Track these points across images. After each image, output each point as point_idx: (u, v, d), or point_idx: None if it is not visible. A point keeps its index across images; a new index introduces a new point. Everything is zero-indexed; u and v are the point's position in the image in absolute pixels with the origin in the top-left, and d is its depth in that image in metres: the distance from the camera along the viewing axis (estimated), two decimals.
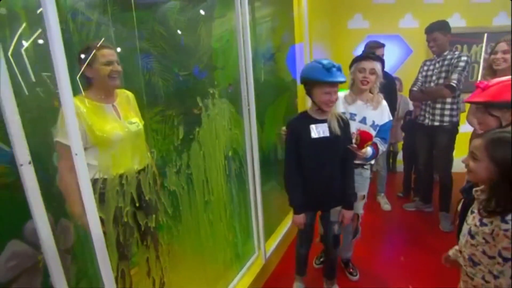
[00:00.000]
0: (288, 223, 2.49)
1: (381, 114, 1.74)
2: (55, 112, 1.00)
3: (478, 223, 1.00)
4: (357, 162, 1.70)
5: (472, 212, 1.07)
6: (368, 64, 1.66)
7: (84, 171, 0.85)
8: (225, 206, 1.68)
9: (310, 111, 1.58)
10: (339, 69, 1.45)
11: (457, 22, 3.70)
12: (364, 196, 1.84)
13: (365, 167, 1.81)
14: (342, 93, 1.73)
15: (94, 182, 1.10)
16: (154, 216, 1.17)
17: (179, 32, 1.75)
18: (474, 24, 3.68)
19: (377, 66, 1.67)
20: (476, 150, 0.98)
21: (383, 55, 2.64)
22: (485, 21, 3.70)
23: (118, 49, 1.30)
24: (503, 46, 2.01)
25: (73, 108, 0.81)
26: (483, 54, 3.76)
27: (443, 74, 2.46)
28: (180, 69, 1.75)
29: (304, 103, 2.99)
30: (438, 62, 2.51)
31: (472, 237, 1.02)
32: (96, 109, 1.18)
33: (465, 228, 1.09)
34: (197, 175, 1.43)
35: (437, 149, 2.59)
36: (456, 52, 2.48)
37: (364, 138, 1.69)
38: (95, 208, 0.88)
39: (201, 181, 1.46)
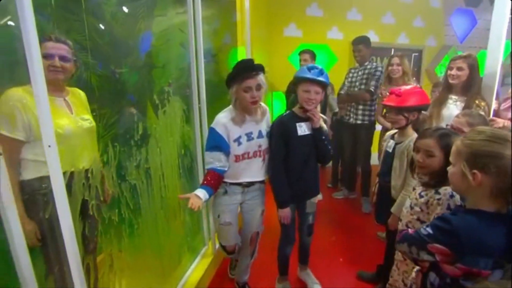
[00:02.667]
0: None
1: (267, 119, 1.68)
2: None
3: (418, 196, 1.28)
4: (259, 180, 1.68)
5: (414, 189, 1.36)
6: (253, 82, 1.46)
7: (57, 163, 0.85)
8: (179, 201, 1.73)
9: (296, 110, 1.65)
10: (321, 72, 1.55)
11: (372, 38, 4.36)
12: (263, 211, 1.77)
13: (263, 182, 1.72)
14: (224, 117, 1.55)
15: (34, 181, 1.06)
16: (116, 210, 1.18)
17: (115, 27, 1.64)
18: (384, 40, 4.40)
19: (261, 78, 1.49)
20: (430, 148, 1.22)
21: (311, 60, 3.13)
22: (391, 38, 4.45)
23: None
24: (396, 60, 2.71)
25: (46, 96, 0.80)
26: None
27: (364, 81, 2.94)
28: (116, 66, 1.72)
29: None
30: (361, 70, 2.99)
31: (412, 208, 1.31)
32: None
33: (407, 203, 1.37)
34: (155, 170, 1.46)
35: (359, 143, 3.06)
36: (374, 64, 2.98)
37: None
38: (66, 201, 0.88)
39: (158, 176, 1.50)
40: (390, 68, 2.75)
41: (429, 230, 0.88)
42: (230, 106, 1.57)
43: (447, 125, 1.91)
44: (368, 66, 2.95)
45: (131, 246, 1.28)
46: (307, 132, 1.64)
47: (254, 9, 3.12)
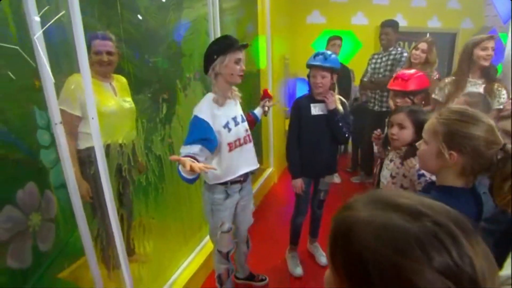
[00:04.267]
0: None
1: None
2: (36, 91, 1.10)
3: (399, 166, 1.43)
4: (254, 168, 1.61)
5: (392, 161, 1.50)
6: (242, 55, 1.42)
7: (98, 132, 1.10)
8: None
9: (312, 93, 1.81)
10: (325, 57, 1.68)
11: (400, 22, 4.25)
12: (253, 204, 1.78)
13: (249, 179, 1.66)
14: (206, 101, 1.44)
15: (90, 149, 1.34)
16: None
17: (149, 19, 1.81)
18: (413, 25, 4.26)
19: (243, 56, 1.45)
20: (401, 121, 1.38)
21: (340, 46, 3.17)
22: (422, 22, 4.30)
23: None
24: (423, 45, 2.47)
25: (90, 80, 1.05)
26: None
27: (389, 67, 2.92)
28: (149, 55, 1.93)
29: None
30: (385, 56, 2.96)
31: (393, 177, 1.45)
32: (96, 86, 1.32)
33: (386, 173, 1.51)
34: (177, 145, 1.71)
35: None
36: (399, 49, 2.95)
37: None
38: (105, 162, 1.13)
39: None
40: (413, 51, 2.53)
41: None
42: (208, 94, 1.48)
43: None
44: (393, 52, 2.91)
45: (157, 210, 1.54)
46: (321, 112, 1.80)
47: None
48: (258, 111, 1.85)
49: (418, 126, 1.36)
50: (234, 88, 1.53)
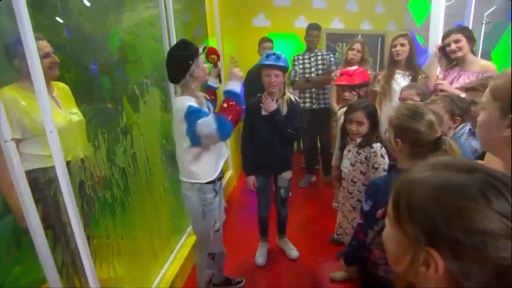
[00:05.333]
0: None
1: None
2: None
3: (356, 155, 1.62)
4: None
5: (349, 151, 1.68)
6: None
7: (58, 147, 0.98)
8: (164, 184, 1.89)
9: (265, 93, 1.89)
10: (278, 57, 1.78)
11: (337, 25, 4.62)
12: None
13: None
14: (188, 99, 1.43)
15: (38, 170, 1.18)
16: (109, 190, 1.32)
17: (84, 23, 1.64)
18: (349, 27, 4.66)
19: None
20: (360, 118, 1.58)
21: (271, 49, 3.11)
22: (356, 25, 4.72)
23: None
24: (357, 46, 2.78)
25: (45, 89, 0.93)
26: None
27: (320, 67, 3.13)
28: (88, 62, 1.79)
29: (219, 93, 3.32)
30: (312, 56, 3.16)
31: (353, 165, 1.63)
32: (34, 100, 1.11)
33: (346, 163, 1.69)
34: (140, 155, 1.60)
35: (323, 127, 3.23)
36: (322, 50, 3.22)
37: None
38: (30, 196, 0.97)
39: (143, 161, 1.64)
40: (350, 52, 2.79)
41: (365, 203, 1.12)
42: (183, 97, 1.45)
43: (399, 98, 2.17)
44: (319, 53, 3.14)
45: (125, 228, 1.42)
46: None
47: (222, 0, 3.23)
48: (212, 81, 1.78)
49: (372, 120, 1.60)
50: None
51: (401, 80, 2.33)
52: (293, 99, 1.95)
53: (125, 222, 1.45)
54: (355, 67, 2.10)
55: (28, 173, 1.13)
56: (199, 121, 1.33)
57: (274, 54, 1.81)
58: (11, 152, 0.86)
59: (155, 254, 1.78)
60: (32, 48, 0.88)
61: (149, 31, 2.01)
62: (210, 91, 1.77)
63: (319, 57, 3.14)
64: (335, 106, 2.89)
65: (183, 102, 1.40)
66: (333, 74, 2.84)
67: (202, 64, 1.46)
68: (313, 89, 3.17)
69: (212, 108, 1.62)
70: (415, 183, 0.46)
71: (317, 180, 3.55)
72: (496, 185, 0.41)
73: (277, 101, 1.89)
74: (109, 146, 1.36)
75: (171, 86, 2.05)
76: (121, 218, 1.40)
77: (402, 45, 2.30)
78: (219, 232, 1.62)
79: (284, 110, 1.89)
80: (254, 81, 2.55)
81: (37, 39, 1.18)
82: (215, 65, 1.74)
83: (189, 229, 2.32)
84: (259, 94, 1.94)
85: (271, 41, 3.29)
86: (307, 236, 2.48)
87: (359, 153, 1.61)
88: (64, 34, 1.56)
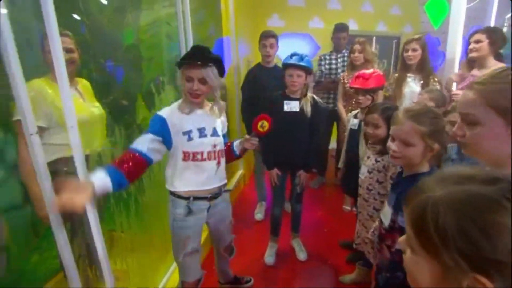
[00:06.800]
0: None
1: (223, 119, 1.49)
2: None
3: (374, 162, 1.56)
4: (221, 184, 1.46)
5: (368, 157, 1.62)
6: (196, 73, 1.26)
7: (78, 140, 1.01)
8: None
9: (287, 91, 1.90)
10: (302, 57, 1.78)
11: (352, 26, 4.57)
12: (231, 221, 1.61)
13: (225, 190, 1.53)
14: (171, 105, 1.36)
15: (59, 161, 1.22)
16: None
17: (103, 21, 1.70)
18: (364, 28, 4.61)
19: (209, 72, 1.27)
20: (375, 120, 1.52)
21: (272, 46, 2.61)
22: (370, 27, 4.66)
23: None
24: (357, 47, 2.65)
25: (67, 84, 0.96)
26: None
27: (342, 69, 3.09)
28: (104, 58, 1.82)
29: (233, 93, 3.33)
30: (339, 57, 3.14)
31: (370, 172, 1.57)
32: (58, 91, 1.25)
33: (364, 169, 1.63)
34: None
35: (330, 127, 3.27)
36: (346, 52, 3.13)
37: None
38: (86, 171, 1.03)
39: None
40: (352, 55, 2.68)
41: (401, 218, 1.04)
42: (178, 101, 1.38)
43: (413, 102, 2.14)
44: (346, 54, 3.08)
45: (138, 222, 1.45)
46: (293, 109, 1.88)
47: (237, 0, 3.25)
48: (237, 145, 1.53)
49: (388, 121, 1.50)
50: (220, 102, 1.39)
51: (412, 84, 2.31)
52: (316, 99, 1.96)
53: (139, 217, 1.47)
54: (371, 70, 2.05)
55: (49, 164, 1.19)
56: (140, 138, 1.24)
57: (297, 54, 1.82)
58: (36, 145, 0.89)
59: (166, 250, 1.80)
60: (56, 43, 0.90)
61: (165, 30, 2.04)
62: (227, 149, 1.51)
63: (345, 58, 3.09)
64: (342, 108, 2.87)
65: (168, 107, 1.34)
66: (340, 77, 2.84)
67: (181, 79, 1.29)
68: (325, 91, 3.15)
69: (209, 127, 1.37)
70: (437, 202, 0.41)
71: (328, 182, 3.53)
72: None
73: (300, 101, 1.89)
74: (125, 142, 1.38)
75: None
76: (135, 213, 1.42)
77: (414, 50, 2.28)
78: (193, 258, 1.39)
79: (308, 112, 1.89)
80: (252, 82, 2.62)
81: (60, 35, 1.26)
82: (259, 135, 1.47)
83: None
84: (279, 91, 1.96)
85: (272, 36, 2.60)
86: (317, 238, 2.47)
87: (377, 161, 1.55)
88: (79, 31, 1.61)
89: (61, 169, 1.21)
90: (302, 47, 4.26)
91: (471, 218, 0.39)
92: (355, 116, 2.03)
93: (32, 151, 0.88)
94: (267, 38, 2.58)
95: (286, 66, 1.84)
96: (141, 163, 1.20)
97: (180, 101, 1.35)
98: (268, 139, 1.90)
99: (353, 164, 1.94)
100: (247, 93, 2.67)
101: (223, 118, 1.47)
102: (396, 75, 2.45)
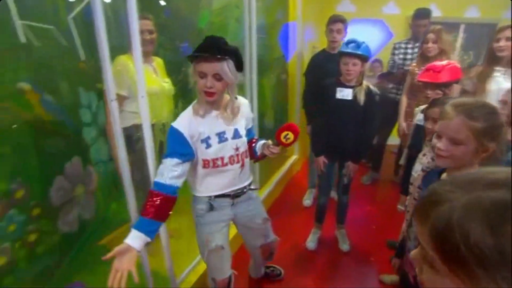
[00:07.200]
0: None
1: (247, 114, 1.36)
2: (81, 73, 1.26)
3: (430, 161, 1.48)
4: (245, 184, 1.39)
5: (424, 155, 1.55)
6: (208, 68, 1.11)
7: (147, 109, 1.20)
8: None
9: (342, 78, 1.86)
10: (358, 45, 1.72)
11: (434, 12, 4.07)
12: (266, 218, 1.50)
13: (252, 187, 1.44)
14: (187, 112, 1.25)
15: (133, 127, 1.43)
16: None
17: (179, 4, 1.85)
18: (448, 14, 4.08)
19: (224, 67, 1.11)
20: (436, 115, 1.37)
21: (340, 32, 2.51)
22: (458, 12, 4.10)
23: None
24: (431, 36, 2.30)
25: (141, 60, 1.14)
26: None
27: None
28: (181, 40, 1.93)
29: (294, 80, 3.33)
30: (417, 47, 2.77)
31: (424, 171, 1.47)
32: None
33: (417, 167, 1.55)
34: None
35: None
36: None
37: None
38: (152, 147, 1.21)
39: None
40: (424, 45, 2.35)
41: None
42: (192, 104, 1.27)
43: (499, 100, 1.86)
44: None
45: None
46: (345, 97, 1.83)
47: None
48: (260, 147, 1.39)
49: None
50: (237, 100, 1.27)
51: (501, 79, 2.00)
52: (371, 88, 1.87)
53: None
54: (445, 62, 1.79)
55: (126, 129, 1.40)
56: (161, 166, 1.18)
57: (354, 41, 1.76)
58: (114, 109, 1.08)
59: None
60: (134, 25, 1.06)
61: (235, 13, 2.13)
62: (250, 151, 1.40)
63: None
64: (404, 102, 2.59)
65: (182, 113, 1.24)
66: (410, 68, 2.54)
67: (194, 74, 1.16)
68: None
69: (229, 129, 1.27)
70: (465, 213, 0.35)
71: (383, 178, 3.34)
72: None
73: (353, 89, 1.84)
74: None
75: (247, 68, 2.15)
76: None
77: (508, 39, 1.95)
78: (218, 256, 1.34)
79: (361, 101, 1.82)
80: (315, 68, 2.54)
81: (141, 18, 1.43)
82: (282, 145, 1.29)
83: None
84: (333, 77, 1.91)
85: (340, 21, 2.49)
86: (363, 233, 2.40)
87: (433, 159, 1.44)
88: (162, 15, 1.81)
89: (134, 134, 1.43)
90: (373, 34, 3.99)
91: (495, 225, 0.33)
92: (423, 111, 1.87)
93: (112, 115, 1.06)
94: (335, 22, 2.48)
95: (342, 54, 1.79)
96: (167, 202, 1.15)
97: (194, 102, 1.25)
98: (318, 125, 1.92)
99: (409, 159, 1.83)
100: (310, 80, 2.63)
101: (248, 111, 1.36)
102: (476, 68, 2.16)
